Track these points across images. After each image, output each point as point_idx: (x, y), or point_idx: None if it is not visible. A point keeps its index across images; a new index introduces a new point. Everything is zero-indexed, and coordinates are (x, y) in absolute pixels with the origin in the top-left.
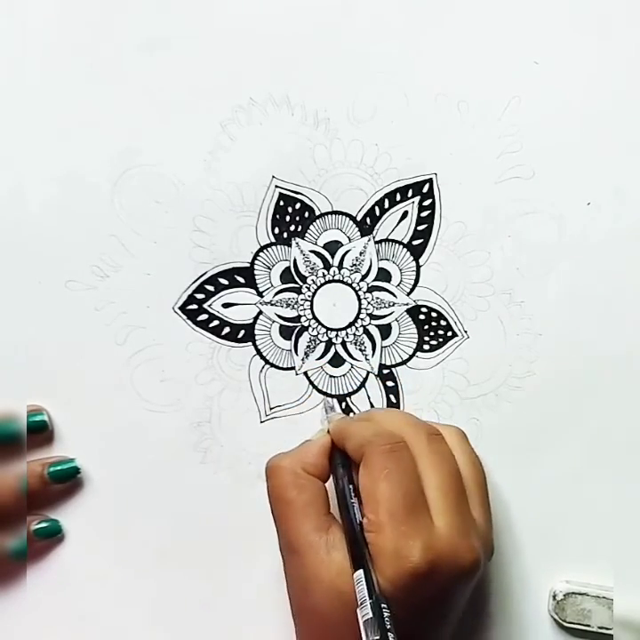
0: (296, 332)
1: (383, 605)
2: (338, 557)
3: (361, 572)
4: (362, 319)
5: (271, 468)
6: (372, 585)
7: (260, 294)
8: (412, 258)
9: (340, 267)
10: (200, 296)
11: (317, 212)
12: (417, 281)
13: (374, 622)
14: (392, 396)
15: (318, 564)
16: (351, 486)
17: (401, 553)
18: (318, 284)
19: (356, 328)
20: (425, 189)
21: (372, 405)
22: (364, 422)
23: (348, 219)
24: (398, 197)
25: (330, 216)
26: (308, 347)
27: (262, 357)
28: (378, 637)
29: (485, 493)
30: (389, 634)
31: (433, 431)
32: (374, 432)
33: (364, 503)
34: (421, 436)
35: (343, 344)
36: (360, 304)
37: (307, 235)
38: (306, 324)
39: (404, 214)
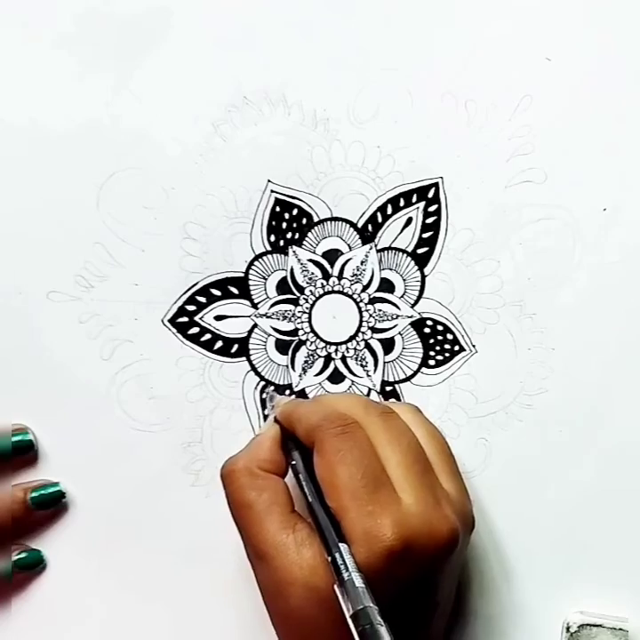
0: (293, 346)
1: (361, 577)
2: (308, 554)
3: (333, 552)
4: (363, 333)
5: (226, 473)
6: (345, 562)
7: (255, 306)
8: (416, 267)
9: (340, 277)
10: (191, 308)
11: (316, 219)
12: (422, 292)
13: (356, 594)
14: None
15: (289, 565)
16: (307, 468)
17: (371, 533)
18: (317, 296)
19: (357, 342)
20: (430, 194)
21: None
22: (311, 404)
23: (348, 225)
24: (402, 203)
25: (329, 223)
26: (305, 362)
27: (257, 373)
28: (361, 607)
29: (452, 463)
30: (371, 604)
31: (385, 409)
32: (323, 416)
33: (325, 492)
34: (373, 414)
35: (343, 359)
36: (361, 316)
37: (304, 243)
38: (303, 337)
39: (408, 221)
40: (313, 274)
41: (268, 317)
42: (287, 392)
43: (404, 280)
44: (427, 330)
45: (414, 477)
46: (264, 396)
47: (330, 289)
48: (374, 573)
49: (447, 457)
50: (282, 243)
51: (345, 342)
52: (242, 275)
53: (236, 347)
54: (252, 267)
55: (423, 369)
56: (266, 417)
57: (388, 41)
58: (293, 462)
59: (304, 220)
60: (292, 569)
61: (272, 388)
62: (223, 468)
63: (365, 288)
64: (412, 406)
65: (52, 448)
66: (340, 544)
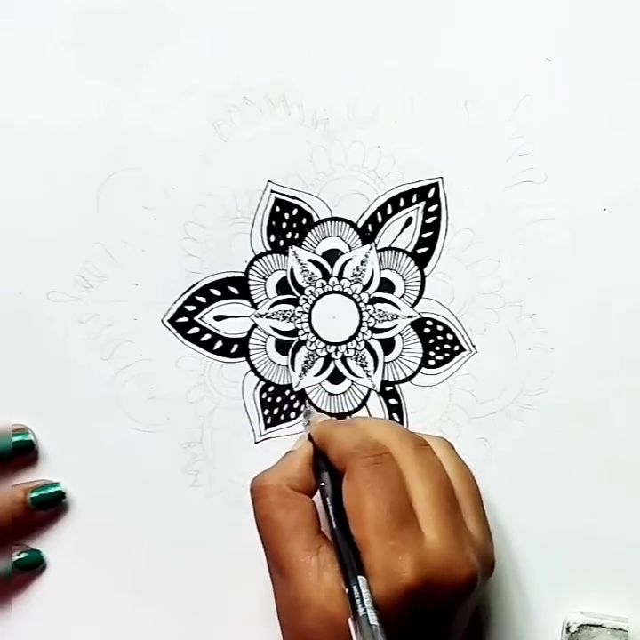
0: (293, 346)
1: (376, 614)
2: (328, 578)
3: (351, 584)
4: (363, 333)
5: (256, 489)
6: (362, 596)
7: (255, 306)
8: (416, 267)
9: (340, 277)
10: (191, 308)
11: (316, 219)
12: (422, 292)
13: (369, 633)
14: (395, 415)
15: (309, 587)
16: (335, 491)
17: (391, 569)
18: (317, 296)
19: (357, 342)
20: (430, 194)
21: None
22: (347, 428)
23: (348, 226)
24: (402, 203)
25: (329, 223)
26: (305, 362)
27: (257, 373)
28: None
29: (480, 505)
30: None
31: (420, 442)
32: (357, 443)
33: (350, 520)
34: (408, 446)
35: (343, 359)
36: (361, 317)
37: (304, 243)
38: (303, 337)
39: (408, 221)
40: (313, 274)
41: (267, 317)
42: (287, 392)
43: (404, 280)
44: (427, 330)
45: (441, 515)
46: (302, 410)
47: (330, 289)
48: (390, 609)
49: (475, 498)
50: (282, 243)
51: (345, 342)
52: (242, 275)
53: (235, 347)
54: (252, 267)
55: (423, 369)
56: (266, 416)
57: (388, 41)
58: (322, 484)
59: (304, 220)
60: (310, 591)
61: (310, 405)
62: (253, 483)
63: (365, 288)
64: (445, 441)
65: (52, 448)
66: (359, 577)
